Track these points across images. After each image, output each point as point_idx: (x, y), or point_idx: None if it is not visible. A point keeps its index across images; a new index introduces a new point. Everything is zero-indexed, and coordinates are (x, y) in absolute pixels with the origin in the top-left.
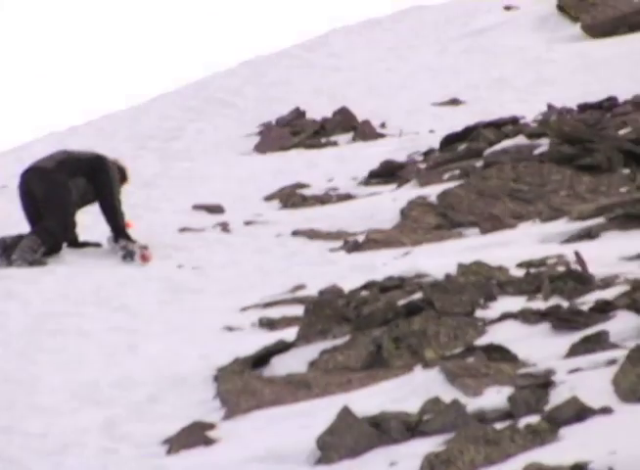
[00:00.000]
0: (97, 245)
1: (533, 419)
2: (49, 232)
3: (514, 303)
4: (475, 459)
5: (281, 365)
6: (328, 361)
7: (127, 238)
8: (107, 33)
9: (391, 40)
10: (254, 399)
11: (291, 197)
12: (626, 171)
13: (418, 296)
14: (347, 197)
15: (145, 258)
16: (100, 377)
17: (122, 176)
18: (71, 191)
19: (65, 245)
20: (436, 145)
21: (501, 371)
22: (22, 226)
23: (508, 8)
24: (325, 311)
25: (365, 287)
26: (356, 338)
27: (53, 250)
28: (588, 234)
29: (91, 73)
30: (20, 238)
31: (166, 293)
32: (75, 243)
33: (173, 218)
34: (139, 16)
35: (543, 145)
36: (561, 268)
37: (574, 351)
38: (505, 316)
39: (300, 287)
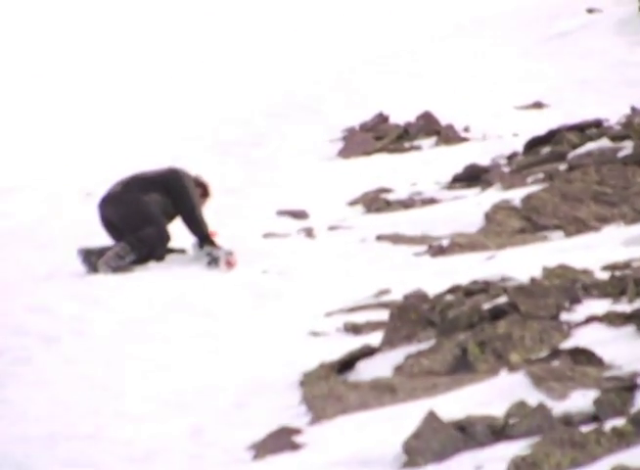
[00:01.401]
0: (182, 251)
1: (619, 422)
2: (141, 240)
3: (599, 305)
4: (561, 462)
5: (366, 370)
6: (413, 366)
7: (212, 244)
8: (192, 40)
9: (475, 44)
10: (340, 404)
11: (375, 201)
12: None
13: (503, 299)
14: (431, 201)
15: (230, 265)
16: (186, 383)
17: (204, 192)
18: (149, 203)
19: (164, 253)
20: (520, 148)
21: (586, 374)
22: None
23: (590, 11)
24: (410, 316)
25: (450, 291)
26: (441, 342)
27: (150, 258)
28: None
29: (180, 79)
30: (105, 249)
31: (251, 298)
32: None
33: (258, 224)
34: (226, 23)
35: (627, 147)
36: None
37: None
38: (590, 319)
39: (385, 291)
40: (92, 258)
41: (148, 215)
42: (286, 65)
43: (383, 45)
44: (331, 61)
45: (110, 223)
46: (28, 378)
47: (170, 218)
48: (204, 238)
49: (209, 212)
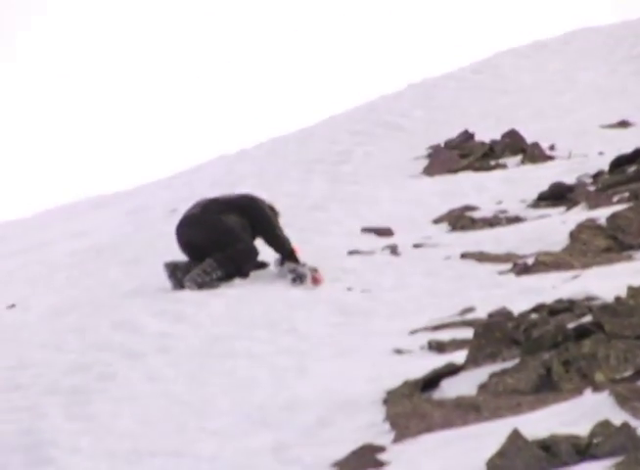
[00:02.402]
0: (263, 265)
1: None
2: (230, 257)
3: None
4: None
5: (450, 388)
6: (497, 384)
7: (295, 261)
8: (277, 58)
9: (559, 62)
10: (424, 423)
11: (459, 219)
12: None
13: (588, 319)
14: (516, 219)
15: (316, 281)
16: (270, 400)
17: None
18: (229, 221)
19: (251, 270)
20: (606, 167)
21: None
22: None
23: None
24: (494, 334)
25: (534, 310)
26: (526, 361)
27: (236, 274)
28: None
29: (262, 97)
30: (191, 264)
31: (336, 316)
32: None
33: (342, 241)
34: (308, 39)
35: None
36: None
37: None
38: None
39: (470, 310)
40: (178, 274)
41: (233, 233)
42: (367, 80)
43: (463, 59)
44: (411, 75)
45: (191, 245)
46: (114, 394)
47: (251, 239)
48: (287, 255)
49: (293, 229)
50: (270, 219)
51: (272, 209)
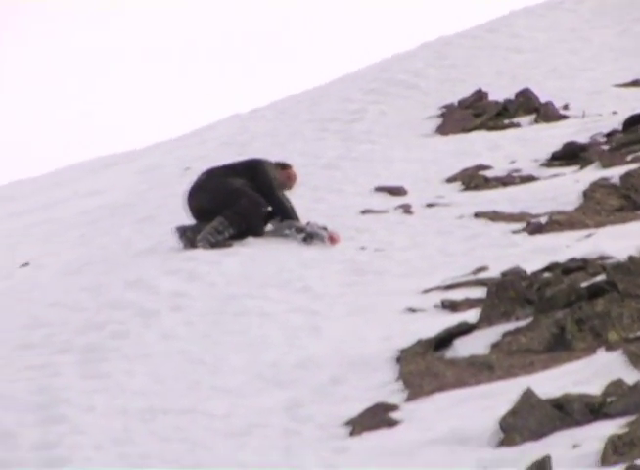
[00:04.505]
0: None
1: None
2: (238, 213)
3: None
4: None
5: (463, 347)
6: (510, 343)
7: (295, 219)
8: (291, 15)
9: (573, 21)
10: (437, 381)
11: (473, 179)
12: None
13: (601, 278)
14: (530, 179)
15: (333, 240)
16: (283, 359)
17: (289, 175)
18: (234, 182)
19: (262, 224)
20: (619, 126)
21: None
22: None
23: None
24: (507, 293)
25: (548, 269)
26: (539, 320)
27: (249, 231)
28: None
29: (273, 56)
30: (201, 225)
31: (349, 275)
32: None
33: (355, 200)
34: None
35: None
36: None
37: None
38: None
39: (483, 269)
40: (189, 234)
41: (236, 190)
42: (380, 38)
43: (477, 18)
44: (425, 34)
45: (200, 210)
46: (127, 352)
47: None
48: (286, 216)
49: (307, 188)
50: (271, 182)
51: (283, 166)
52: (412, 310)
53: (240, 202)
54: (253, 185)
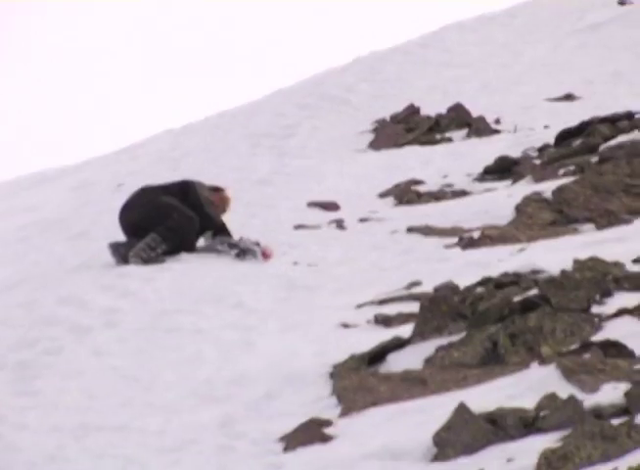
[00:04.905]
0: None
1: None
2: (170, 228)
3: (630, 298)
4: (591, 455)
5: (397, 362)
6: (444, 358)
7: (227, 235)
8: (220, 32)
9: (506, 36)
10: (371, 396)
11: (405, 193)
12: None
13: (534, 292)
14: (462, 193)
15: (267, 256)
16: (217, 374)
17: (222, 197)
18: (166, 198)
19: (195, 239)
20: (552, 141)
21: (618, 367)
22: None
23: (622, 3)
24: (441, 308)
25: (481, 283)
26: (472, 335)
27: (182, 247)
28: None
29: (206, 71)
30: (134, 241)
31: (282, 290)
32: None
33: (288, 216)
34: (252, 15)
35: None
36: None
37: None
38: (621, 312)
39: (416, 283)
40: (121, 250)
41: (169, 205)
42: (314, 53)
43: (409, 32)
44: (357, 48)
45: (133, 226)
46: (60, 368)
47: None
48: (219, 231)
49: (240, 204)
50: (203, 199)
51: (216, 189)
52: (346, 325)
53: (172, 216)
54: (186, 204)
